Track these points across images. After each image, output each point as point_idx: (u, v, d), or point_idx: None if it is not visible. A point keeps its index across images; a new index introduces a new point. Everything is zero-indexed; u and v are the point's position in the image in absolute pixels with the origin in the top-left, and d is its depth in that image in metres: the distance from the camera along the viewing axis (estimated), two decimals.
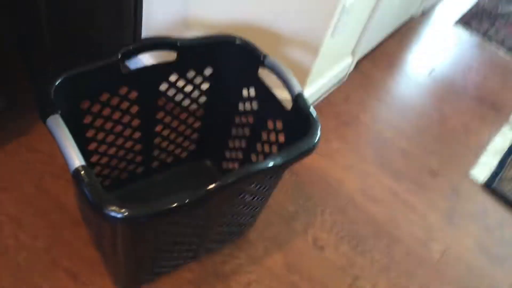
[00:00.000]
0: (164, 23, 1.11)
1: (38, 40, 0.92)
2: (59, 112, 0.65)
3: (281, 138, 0.89)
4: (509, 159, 1.43)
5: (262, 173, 0.69)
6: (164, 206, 0.59)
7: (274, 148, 0.92)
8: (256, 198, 0.86)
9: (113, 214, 0.56)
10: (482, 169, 1.38)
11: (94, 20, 1.05)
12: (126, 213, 0.56)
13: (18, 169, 1.01)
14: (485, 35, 1.98)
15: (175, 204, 0.59)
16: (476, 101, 1.64)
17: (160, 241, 0.75)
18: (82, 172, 0.59)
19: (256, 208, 0.93)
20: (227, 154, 1.07)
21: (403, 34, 1.84)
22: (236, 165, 1.05)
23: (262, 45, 0.89)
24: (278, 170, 0.75)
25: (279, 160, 0.71)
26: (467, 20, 2.04)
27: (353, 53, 1.47)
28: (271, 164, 0.69)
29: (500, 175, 1.37)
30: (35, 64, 0.96)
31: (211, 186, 0.63)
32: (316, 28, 1.09)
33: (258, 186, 0.80)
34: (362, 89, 1.54)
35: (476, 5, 2.15)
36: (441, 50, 1.85)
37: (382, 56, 1.71)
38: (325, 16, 1.07)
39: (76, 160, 0.60)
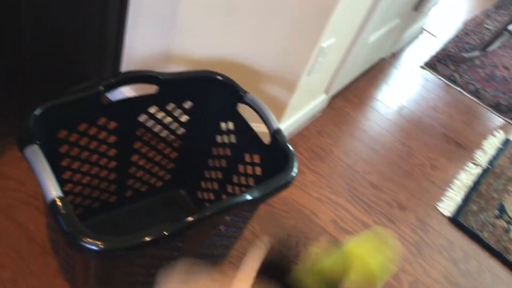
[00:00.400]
0: (145, 56, 1.13)
1: (18, 69, 0.92)
2: (37, 142, 0.65)
3: (258, 171, 0.90)
4: (473, 194, 1.50)
5: (240, 206, 0.70)
6: (141, 239, 0.59)
7: (251, 181, 0.93)
8: (231, 229, 0.87)
9: (89, 246, 0.56)
10: (448, 204, 1.44)
11: (76, 50, 1.06)
12: (103, 246, 0.56)
13: None
14: (450, 78, 2.10)
15: (153, 237, 0.59)
16: (442, 138, 1.72)
17: (133, 272, 0.75)
18: (59, 204, 0.59)
19: (231, 239, 0.93)
20: (203, 184, 1.08)
21: (373, 74, 1.93)
22: (211, 195, 1.06)
23: (241, 81, 0.92)
24: (255, 203, 0.77)
25: (256, 193, 0.72)
26: (433, 63, 2.15)
27: (326, 90, 1.53)
28: (249, 197, 0.71)
29: (465, 209, 1.43)
30: (15, 93, 0.95)
31: (190, 219, 0.63)
32: (294, 67, 1.14)
33: (235, 219, 0.81)
34: (334, 124, 1.59)
35: (442, 50, 2.28)
36: (409, 89, 1.94)
37: (354, 93, 1.77)
38: (303, 56, 1.12)
39: (53, 191, 0.60)
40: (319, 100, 1.51)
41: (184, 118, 0.97)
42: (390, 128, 1.68)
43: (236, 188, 0.97)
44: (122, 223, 1.03)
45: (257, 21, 1.04)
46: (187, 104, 0.95)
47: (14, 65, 0.92)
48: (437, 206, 1.42)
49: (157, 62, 1.12)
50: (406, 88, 1.95)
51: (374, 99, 1.80)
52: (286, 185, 0.75)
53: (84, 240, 0.56)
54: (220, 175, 1.02)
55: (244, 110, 0.91)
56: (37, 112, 0.68)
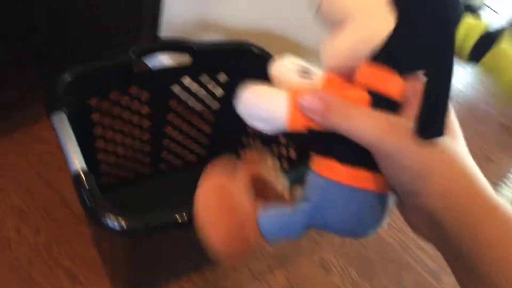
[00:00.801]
0: (183, 22, 1.08)
1: (50, 30, 0.90)
2: (65, 109, 0.63)
3: (292, 154, 0.85)
4: None
5: None
6: (164, 219, 0.56)
7: (285, 163, 0.88)
8: None
9: (110, 224, 0.54)
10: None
11: (112, 12, 1.03)
12: (124, 225, 0.54)
13: (24, 158, 0.99)
14: None
15: (176, 219, 0.56)
16: (499, 128, 1.58)
17: (159, 252, 0.73)
18: (82, 177, 0.57)
19: None
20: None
21: None
22: None
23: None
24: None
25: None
26: None
27: None
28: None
29: None
30: (46, 56, 0.94)
31: None
32: None
33: None
34: None
35: None
36: (465, 72, 1.79)
37: None
38: None
39: (77, 163, 0.58)
40: None
41: (219, 92, 0.93)
42: None
43: None
44: (156, 196, 1.02)
45: None
46: (222, 77, 0.90)
47: (42, 25, 0.90)
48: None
49: (194, 29, 1.07)
50: (462, 70, 1.80)
51: None
52: None
53: (105, 216, 0.54)
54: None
55: None
56: (66, 78, 0.66)
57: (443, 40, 0.27)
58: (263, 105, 0.32)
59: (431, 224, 0.27)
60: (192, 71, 0.86)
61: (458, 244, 0.26)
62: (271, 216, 0.31)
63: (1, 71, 0.89)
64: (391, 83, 0.27)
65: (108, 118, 0.81)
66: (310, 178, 0.31)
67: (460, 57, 0.30)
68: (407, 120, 0.27)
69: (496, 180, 1.38)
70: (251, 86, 0.34)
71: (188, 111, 0.94)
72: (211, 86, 0.91)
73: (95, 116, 0.79)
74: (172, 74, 0.85)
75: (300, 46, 1.06)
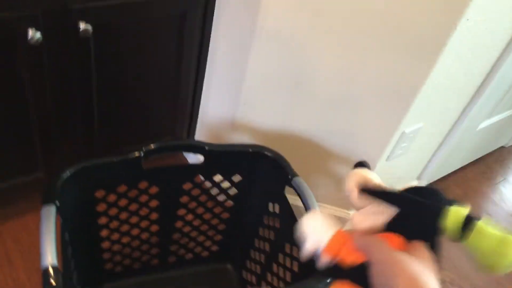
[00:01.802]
0: (215, 123, 1.12)
1: (87, 125, 0.98)
2: (57, 203, 0.65)
3: (295, 266, 0.80)
4: None
5: None
6: None
7: (288, 275, 0.82)
8: None
9: None
10: None
11: (151, 115, 1.09)
12: None
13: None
14: None
15: None
16: None
17: None
18: (51, 273, 0.57)
19: None
20: (248, 264, 0.99)
21: (488, 164, 1.66)
22: (254, 278, 0.97)
23: (305, 159, 0.84)
24: None
25: None
26: None
27: (419, 178, 1.35)
28: None
29: None
30: (88, 151, 1.01)
31: None
32: (369, 151, 1.02)
33: None
34: None
35: None
36: None
37: (458, 184, 1.53)
38: (380, 140, 1.00)
39: (49, 258, 0.58)
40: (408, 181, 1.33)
41: (233, 191, 0.92)
42: None
43: (275, 279, 0.87)
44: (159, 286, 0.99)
45: (327, 98, 0.96)
46: (236, 178, 0.89)
47: (87, 121, 0.97)
48: None
49: (224, 130, 1.10)
50: None
51: (484, 195, 1.53)
52: None
53: None
54: (263, 259, 0.93)
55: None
56: (66, 174, 0.69)
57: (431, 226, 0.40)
58: (319, 228, 0.45)
59: None
60: (204, 170, 0.86)
61: None
62: None
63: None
64: (394, 240, 0.41)
65: (114, 209, 0.83)
66: None
67: (452, 238, 0.39)
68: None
69: None
70: (318, 213, 0.46)
71: (201, 207, 0.93)
72: (224, 185, 0.91)
73: (101, 207, 0.81)
74: (183, 172, 0.86)
75: (322, 149, 1.04)
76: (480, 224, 0.38)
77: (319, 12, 0.85)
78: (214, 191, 0.91)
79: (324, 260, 0.43)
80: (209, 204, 0.94)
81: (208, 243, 1.02)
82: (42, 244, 0.60)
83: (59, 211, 0.65)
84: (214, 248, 1.03)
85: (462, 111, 1.15)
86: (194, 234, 0.98)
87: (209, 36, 1.00)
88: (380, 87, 0.90)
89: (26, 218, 1.04)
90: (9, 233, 1.01)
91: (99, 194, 0.79)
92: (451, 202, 0.41)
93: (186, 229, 0.96)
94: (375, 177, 0.47)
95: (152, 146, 0.77)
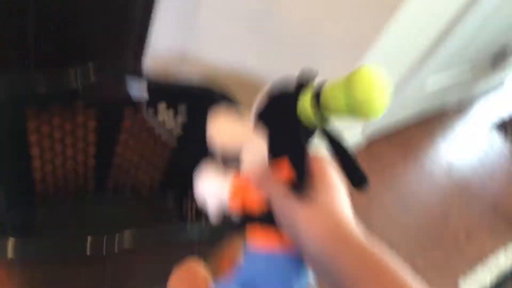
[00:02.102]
0: (164, 54, 1.12)
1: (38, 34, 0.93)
2: None
3: None
4: (509, 283, 1.25)
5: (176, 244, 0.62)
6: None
7: None
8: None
9: None
10: (473, 284, 1.22)
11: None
12: None
13: None
14: None
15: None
16: (489, 210, 1.48)
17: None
18: None
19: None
20: (189, 194, 1.02)
21: (430, 125, 1.74)
22: (193, 215, 0.99)
23: (253, 99, 0.85)
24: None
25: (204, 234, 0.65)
26: (504, 126, 1.89)
27: (363, 129, 1.40)
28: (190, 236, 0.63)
29: None
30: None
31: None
32: None
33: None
34: (368, 168, 1.45)
35: None
36: (467, 150, 1.72)
37: (400, 141, 1.61)
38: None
39: None
40: (351, 140, 1.39)
41: (180, 121, 0.93)
42: (432, 188, 1.49)
43: None
44: (92, 215, 0.99)
45: (286, 40, 0.97)
46: (182, 108, 0.90)
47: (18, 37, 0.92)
48: (459, 282, 1.21)
49: (173, 65, 1.10)
50: (464, 148, 1.73)
51: (422, 152, 1.62)
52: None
53: None
54: None
55: None
56: None
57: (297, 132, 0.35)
58: (213, 188, 0.40)
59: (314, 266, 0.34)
60: (149, 102, 0.85)
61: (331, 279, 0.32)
62: None
63: None
64: (284, 170, 0.36)
65: (46, 127, 0.81)
66: (244, 250, 0.37)
67: (314, 120, 0.34)
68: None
69: (473, 261, 1.27)
70: (205, 172, 0.41)
71: (144, 133, 0.93)
72: (170, 113, 0.90)
73: (31, 123, 0.77)
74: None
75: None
76: (325, 85, 0.32)
77: None
78: (160, 118, 0.91)
79: (235, 214, 0.39)
80: (152, 131, 0.94)
81: (150, 170, 1.02)
82: None
83: None
84: (157, 176, 1.03)
85: (413, 64, 1.19)
86: (135, 160, 0.97)
87: None
88: (338, 35, 0.91)
89: None
90: None
91: (30, 109, 0.74)
92: (297, 89, 0.35)
93: (127, 154, 0.95)
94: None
95: (92, 78, 0.75)
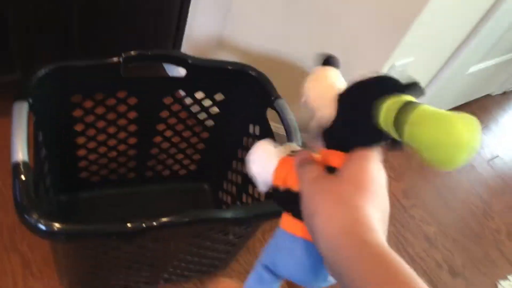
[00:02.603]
0: (201, 38, 1.08)
1: (67, 21, 0.92)
2: (30, 100, 0.63)
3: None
4: None
5: (211, 222, 0.61)
6: (82, 230, 0.54)
7: (262, 196, 0.84)
8: (221, 243, 0.78)
9: (29, 219, 0.52)
10: None
11: (136, 18, 1.04)
12: (40, 225, 0.52)
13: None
14: None
15: (90, 232, 0.54)
16: None
17: (99, 260, 0.70)
18: (22, 169, 0.56)
19: (225, 253, 0.85)
20: (225, 185, 1.01)
21: (472, 110, 1.66)
22: (229, 199, 0.98)
23: (294, 85, 0.82)
24: (238, 223, 0.67)
25: (241, 213, 0.63)
26: None
27: None
28: (227, 215, 0.62)
29: None
30: (61, 46, 0.96)
31: (134, 225, 0.56)
32: None
33: (221, 233, 0.73)
34: (404, 156, 1.40)
35: None
36: (511, 140, 1.64)
37: None
38: (370, 69, 0.97)
39: (20, 154, 0.57)
40: None
41: (214, 110, 0.91)
42: (472, 178, 1.44)
43: (249, 199, 0.89)
44: (132, 203, 1.00)
45: (320, 23, 0.92)
46: (218, 96, 0.88)
47: (66, 21, 0.92)
48: (498, 284, 1.18)
49: (210, 47, 1.06)
50: (508, 136, 1.65)
51: None
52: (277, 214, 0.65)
53: (28, 212, 0.53)
54: (240, 180, 0.94)
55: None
56: (41, 72, 0.66)
57: (367, 129, 0.32)
58: (262, 161, 0.40)
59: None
60: (186, 85, 0.84)
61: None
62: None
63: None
64: (335, 159, 0.34)
65: (91, 116, 0.81)
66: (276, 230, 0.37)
67: (391, 133, 0.31)
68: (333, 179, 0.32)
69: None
70: (261, 143, 0.41)
71: (180, 124, 0.92)
72: (206, 103, 0.89)
73: (77, 113, 0.79)
74: (164, 85, 0.84)
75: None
76: (421, 108, 0.28)
77: None
78: (195, 108, 0.90)
79: (276, 190, 0.39)
80: (189, 122, 0.93)
81: (186, 162, 1.02)
82: (13, 139, 0.58)
83: (32, 109, 0.63)
84: (192, 167, 1.04)
85: (454, 51, 1.13)
86: (172, 151, 0.98)
87: None
88: (376, 14, 0.87)
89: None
90: None
91: (76, 99, 0.77)
92: (396, 89, 0.31)
93: (165, 145, 0.95)
94: (341, 82, 0.39)
95: (133, 52, 0.74)
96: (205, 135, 0.97)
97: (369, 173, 0.32)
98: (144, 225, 0.56)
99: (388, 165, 1.35)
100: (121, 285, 0.84)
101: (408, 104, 0.29)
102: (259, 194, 0.85)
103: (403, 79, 0.32)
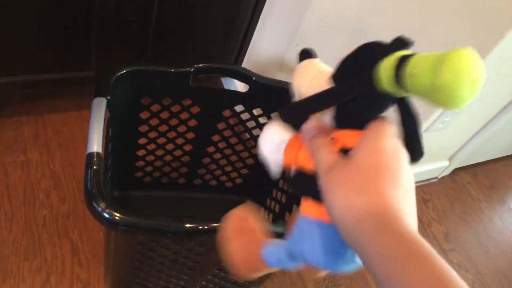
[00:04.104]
0: (264, 58, 1.12)
1: (143, 27, 0.99)
2: (108, 97, 0.68)
3: None
4: None
5: None
6: (143, 224, 0.57)
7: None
8: None
9: (96, 208, 0.56)
10: None
11: (204, 32, 1.10)
12: (108, 213, 0.56)
13: (81, 133, 1.08)
14: None
15: (161, 226, 0.57)
16: None
17: (147, 257, 0.73)
18: (95, 159, 0.60)
19: None
20: (268, 202, 1.03)
21: None
22: (271, 216, 1.00)
23: None
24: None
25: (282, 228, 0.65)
26: None
27: (450, 158, 1.33)
28: (278, 229, 0.64)
29: None
30: (135, 51, 1.03)
31: (190, 225, 0.59)
32: None
33: None
34: (448, 199, 1.38)
35: None
36: None
37: (487, 174, 1.51)
38: (424, 109, 0.98)
39: (95, 145, 0.62)
40: (437, 166, 1.32)
41: None
42: None
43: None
44: (179, 207, 1.04)
45: None
46: (275, 115, 0.90)
47: (143, 31, 0.98)
48: None
49: (271, 68, 1.10)
50: None
51: (510, 191, 1.51)
52: None
53: (97, 200, 0.56)
54: (284, 199, 0.95)
55: None
56: (120, 72, 0.71)
57: (371, 98, 0.32)
58: (272, 141, 0.40)
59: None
60: (246, 100, 0.88)
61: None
62: (269, 251, 0.38)
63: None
64: (349, 139, 0.33)
65: (155, 120, 0.86)
66: (297, 219, 0.36)
67: (396, 92, 0.30)
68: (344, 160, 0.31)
69: None
70: (271, 125, 0.41)
71: (234, 137, 0.96)
72: (262, 120, 0.92)
73: (144, 115, 0.84)
74: (226, 97, 0.87)
75: None
76: (415, 57, 0.28)
77: None
78: (251, 124, 0.93)
79: (289, 174, 0.37)
80: (243, 136, 0.96)
81: (233, 174, 1.05)
82: (91, 131, 0.63)
83: (108, 105, 0.68)
84: (238, 180, 1.06)
85: (509, 99, 1.12)
86: (223, 162, 1.01)
87: None
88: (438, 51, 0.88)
89: (69, 114, 1.09)
90: (52, 124, 1.06)
91: (145, 101, 0.82)
92: (385, 50, 0.31)
93: (217, 155, 0.99)
94: (326, 67, 0.39)
95: (204, 64, 0.78)
96: (255, 150, 0.99)
97: (385, 151, 0.30)
98: (200, 227, 0.59)
99: (431, 206, 1.33)
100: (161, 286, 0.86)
101: (402, 58, 0.29)
102: None
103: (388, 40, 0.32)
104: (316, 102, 0.33)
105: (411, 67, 0.28)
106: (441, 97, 0.27)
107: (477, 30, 0.83)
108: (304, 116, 0.35)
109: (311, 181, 0.33)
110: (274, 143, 0.39)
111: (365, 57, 0.32)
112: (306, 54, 0.41)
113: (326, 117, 0.35)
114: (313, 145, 0.33)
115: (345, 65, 0.34)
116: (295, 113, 0.34)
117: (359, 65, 0.32)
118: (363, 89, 0.31)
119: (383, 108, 0.33)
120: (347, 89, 0.32)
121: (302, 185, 0.35)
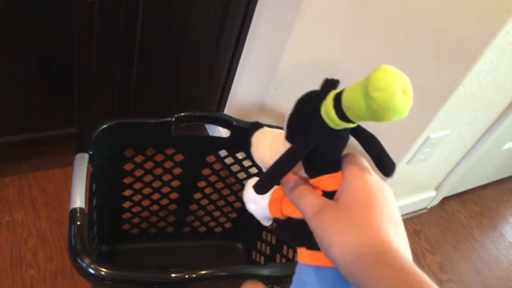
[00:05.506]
0: (244, 103, 1.15)
1: (125, 84, 1.01)
2: (90, 152, 0.69)
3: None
4: None
5: (248, 277, 0.63)
6: (129, 277, 0.57)
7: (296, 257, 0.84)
8: None
9: (81, 263, 0.56)
10: None
11: (185, 82, 1.13)
12: (90, 269, 0.55)
13: (65, 189, 1.07)
14: None
15: (137, 279, 0.56)
16: None
17: None
18: (78, 214, 0.60)
19: None
20: (258, 245, 1.02)
21: (508, 188, 1.64)
22: (262, 259, 0.99)
23: None
24: (275, 281, 0.68)
25: (277, 271, 0.65)
26: None
27: (437, 187, 1.35)
28: (264, 272, 0.63)
29: None
30: (117, 104, 1.05)
31: (177, 275, 0.58)
32: (392, 150, 1.03)
33: None
34: (439, 228, 1.38)
35: None
36: None
37: (476, 201, 1.53)
38: (403, 142, 1.00)
39: (78, 201, 0.62)
40: (425, 196, 1.33)
41: (253, 171, 0.94)
42: (511, 256, 1.39)
43: (283, 260, 0.89)
44: (169, 257, 1.02)
45: None
46: None
47: (123, 79, 1.01)
48: None
49: (252, 111, 1.13)
50: None
51: (500, 216, 1.52)
52: None
53: (81, 256, 0.56)
54: (274, 241, 0.95)
55: None
56: (100, 126, 0.73)
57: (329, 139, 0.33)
58: (255, 198, 0.42)
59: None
60: (229, 145, 0.89)
61: None
62: None
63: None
64: (327, 183, 0.34)
65: (140, 171, 0.86)
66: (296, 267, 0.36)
67: (347, 126, 0.32)
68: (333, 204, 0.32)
69: None
70: (252, 181, 0.41)
71: (220, 182, 0.96)
72: (246, 163, 0.93)
73: (128, 166, 0.85)
74: (209, 143, 0.89)
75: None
76: (345, 92, 0.30)
77: (364, 3, 0.86)
78: (235, 167, 0.94)
79: (279, 226, 0.38)
80: (229, 181, 0.97)
81: (222, 219, 1.05)
82: (73, 187, 0.63)
83: (91, 160, 0.69)
84: (228, 225, 1.06)
85: (490, 126, 1.15)
86: (210, 208, 1.01)
87: (252, 14, 1.02)
88: (416, 86, 0.91)
89: (54, 171, 1.09)
90: (37, 183, 1.06)
91: (129, 153, 0.83)
92: (321, 95, 0.33)
93: (204, 201, 0.99)
94: (276, 130, 0.40)
95: (184, 113, 0.80)
96: (242, 194, 1.00)
97: (369, 186, 0.31)
98: (186, 276, 0.58)
99: (423, 237, 1.33)
100: None
101: (336, 97, 0.31)
102: (293, 255, 0.86)
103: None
104: (281, 168, 0.34)
105: (345, 102, 0.30)
106: (384, 115, 0.28)
107: (442, 69, 0.87)
108: (276, 183, 0.36)
109: (301, 229, 0.33)
110: (257, 198, 0.41)
111: (307, 109, 0.34)
112: (255, 127, 0.43)
113: (299, 172, 0.36)
114: (294, 194, 0.34)
115: (293, 123, 0.35)
116: (266, 185, 0.34)
117: (304, 119, 0.34)
118: (317, 137, 0.33)
119: (343, 143, 0.34)
120: (302, 144, 0.33)
121: (292, 234, 0.36)
